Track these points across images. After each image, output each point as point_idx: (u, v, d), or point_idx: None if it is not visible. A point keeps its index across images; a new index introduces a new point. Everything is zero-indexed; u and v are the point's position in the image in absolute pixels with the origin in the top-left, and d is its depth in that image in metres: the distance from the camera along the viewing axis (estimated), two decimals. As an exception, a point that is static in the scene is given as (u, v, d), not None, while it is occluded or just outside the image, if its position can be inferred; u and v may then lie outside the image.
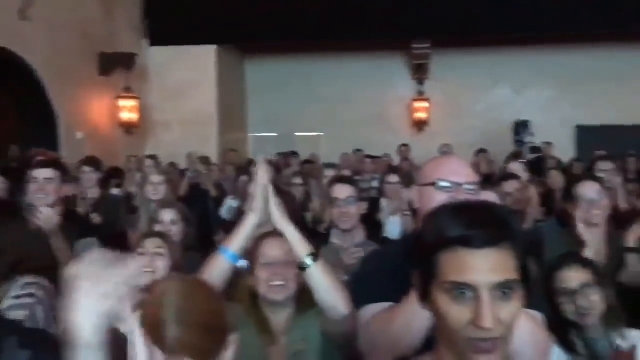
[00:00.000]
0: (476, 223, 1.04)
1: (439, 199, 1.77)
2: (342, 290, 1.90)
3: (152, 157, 6.83)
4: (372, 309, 1.71)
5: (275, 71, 11.53)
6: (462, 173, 1.84)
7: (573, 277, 2.17)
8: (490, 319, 1.00)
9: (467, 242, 1.02)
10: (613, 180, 3.90)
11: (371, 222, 3.94)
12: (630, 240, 2.91)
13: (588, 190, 3.09)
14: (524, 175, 4.88)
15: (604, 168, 4.11)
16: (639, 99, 10.42)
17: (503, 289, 1.03)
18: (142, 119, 10.08)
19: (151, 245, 2.44)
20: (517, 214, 3.97)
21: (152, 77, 10.49)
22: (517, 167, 4.93)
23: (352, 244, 3.03)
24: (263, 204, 1.96)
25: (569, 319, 2.14)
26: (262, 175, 1.97)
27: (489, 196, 2.99)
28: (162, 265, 2.39)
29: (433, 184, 1.82)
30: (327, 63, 11.35)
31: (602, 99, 10.60)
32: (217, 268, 1.97)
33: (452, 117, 11.09)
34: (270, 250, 2.09)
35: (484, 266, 1.02)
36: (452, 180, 1.80)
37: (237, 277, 2.12)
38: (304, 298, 2.04)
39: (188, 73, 10.26)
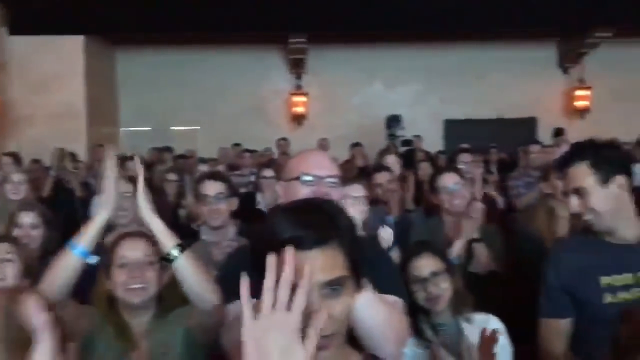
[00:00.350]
0: (304, 224, 1.06)
1: (302, 192, 1.81)
2: (211, 282, 1.89)
3: (11, 154, 6.36)
4: (238, 306, 1.69)
5: (148, 63, 11.12)
6: (325, 167, 1.88)
7: (424, 265, 2.26)
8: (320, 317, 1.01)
9: (296, 244, 1.03)
10: (473, 171, 4.14)
11: (249, 217, 3.91)
12: (476, 229, 3.10)
13: (448, 181, 3.27)
14: (398, 168, 5.07)
15: (464, 160, 4.36)
16: (500, 93, 11.12)
17: (332, 287, 1.05)
18: (2, 113, 9.38)
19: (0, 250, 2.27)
20: (387, 204, 4.12)
21: (12, 69, 9.75)
22: (392, 160, 5.11)
23: (223, 241, 2.99)
24: (114, 198, 1.91)
25: (420, 305, 2.23)
26: (111, 169, 1.92)
27: (355, 189, 3.10)
28: (11, 272, 2.22)
29: (297, 178, 1.85)
30: (203, 55, 11.13)
31: (468, 94, 11.22)
32: (65, 265, 1.88)
33: (329, 111, 11.28)
34: (128, 251, 2.01)
35: (313, 267, 1.03)
36: (315, 174, 1.84)
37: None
38: (166, 299, 1.98)
39: (53, 64, 9.66)
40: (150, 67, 11.05)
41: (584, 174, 1.97)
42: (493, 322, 2.23)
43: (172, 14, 9.60)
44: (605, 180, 1.96)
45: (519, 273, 2.87)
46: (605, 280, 1.98)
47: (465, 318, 2.22)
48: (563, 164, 2.05)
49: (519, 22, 9.94)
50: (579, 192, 1.98)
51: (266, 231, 1.11)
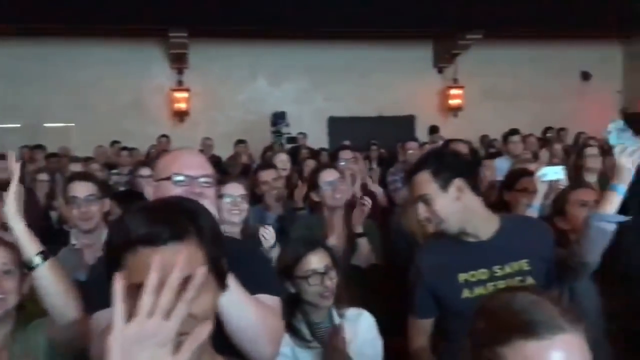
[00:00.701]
0: (159, 220, 1.03)
1: (174, 193, 1.75)
2: (73, 293, 1.80)
3: None
4: (105, 315, 1.61)
5: (18, 55, 10.35)
6: (197, 166, 1.85)
7: (319, 259, 2.26)
8: None
9: (148, 240, 1.00)
10: (353, 168, 4.24)
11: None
12: (358, 224, 3.20)
13: (328, 177, 3.34)
14: (289, 166, 5.09)
15: (345, 156, 4.46)
16: (381, 92, 11.46)
17: None
18: None
19: None
20: (279, 201, 4.12)
21: None
22: (284, 158, 5.12)
23: (95, 245, 2.85)
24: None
25: (308, 301, 2.23)
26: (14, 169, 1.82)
27: (234, 187, 3.07)
28: None
29: (168, 178, 1.80)
30: (79, 48, 10.55)
31: (351, 92, 11.47)
32: None
33: (212, 107, 11.11)
34: None
35: (167, 263, 1.00)
36: (187, 174, 1.81)
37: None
38: (27, 309, 1.86)
39: None
40: (20, 60, 10.32)
41: (426, 182, 2.08)
42: (365, 317, 2.29)
43: (45, 3, 9.01)
44: (444, 186, 2.07)
45: (395, 267, 2.97)
46: (462, 276, 2.11)
47: (339, 314, 2.26)
48: (409, 174, 2.16)
49: (396, 23, 10.28)
50: (424, 199, 2.09)
51: (119, 230, 1.07)
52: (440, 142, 6.15)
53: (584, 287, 2.56)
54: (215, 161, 6.78)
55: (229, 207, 2.99)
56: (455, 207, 2.07)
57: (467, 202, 2.09)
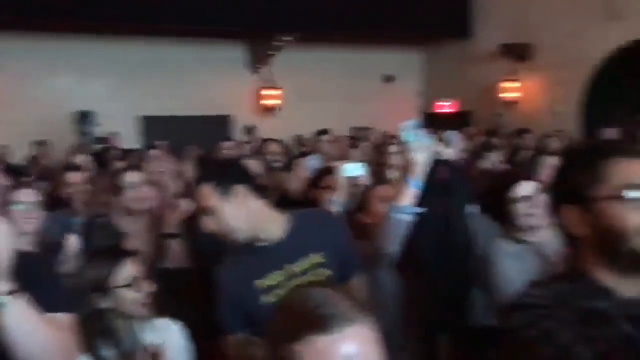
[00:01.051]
0: None
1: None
2: None
3: None
4: None
5: None
6: None
7: (132, 267, 2.13)
8: None
9: None
10: (164, 168, 4.11)
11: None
12: (170, 225, 3.10)
13: (130, 178, 3.19)
14: (90, 166, 4.82)
15: (154, 156, 4.34)
16: (197, 91, 11.23)
17: None
18: None
19: None
20: (87, 204, 3.86)
21: None
22: (83, 159, 4.86)
23: None
24: None
25: (125, 312, 2.10)
26: None
27: (28, 194, 2.81)
28: None
29: None
30: None
31: (166, 91, 11.08)
32: None
33: (7, 105, 10.04)
34: None
35: None
36: None
37: None
38: None
39: None
40: None
41: (209, 194, 2.06)
42: (173, 327, 2.20)
43: None
44: (226, 195, 2.05)
45: (202, 270, 2.91)
46: (260, 283, 2.08)
47: (149, 326, 2.14)
48: (195, 186, 2.13)
49: (209, 21, 10.16)
50: (208, 211, 2.07)
51: None
52: (258, 141, 6.23)
53: (385, 276, 2.72)
54: (7, 167, 6.19)
55: (22, 215, 2.74)
56: (239, 214, 2.04)
57: (251, 207, 2.08)
